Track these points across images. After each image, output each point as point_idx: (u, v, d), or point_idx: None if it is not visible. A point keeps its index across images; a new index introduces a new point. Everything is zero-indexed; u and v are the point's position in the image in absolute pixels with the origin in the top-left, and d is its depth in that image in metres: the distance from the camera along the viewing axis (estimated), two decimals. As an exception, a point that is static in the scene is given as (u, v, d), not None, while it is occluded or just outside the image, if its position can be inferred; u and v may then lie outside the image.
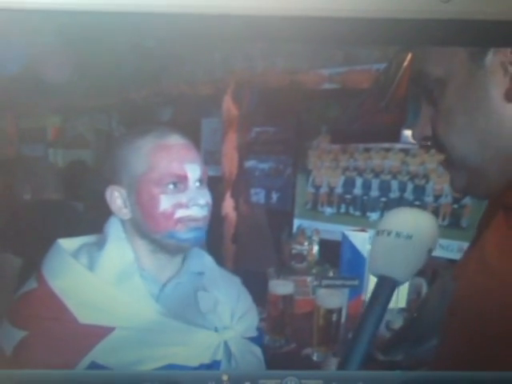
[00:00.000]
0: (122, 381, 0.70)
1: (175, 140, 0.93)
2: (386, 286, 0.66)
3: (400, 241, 0.66)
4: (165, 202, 0.90)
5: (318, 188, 1.81)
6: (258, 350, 1.01)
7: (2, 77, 0.98)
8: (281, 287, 1.39)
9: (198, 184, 0.93)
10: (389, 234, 0.67)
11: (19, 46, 0.75)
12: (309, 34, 0.63)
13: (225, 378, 0.67)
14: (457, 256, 1.39)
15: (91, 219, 1.10)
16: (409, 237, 0.66)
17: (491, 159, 0.69)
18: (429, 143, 0.77)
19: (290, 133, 1.79)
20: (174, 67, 1.53)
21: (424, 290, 1.38)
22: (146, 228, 0.92)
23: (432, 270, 1.35)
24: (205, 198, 0.93)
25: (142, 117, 1.60)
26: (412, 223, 0.69)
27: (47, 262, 0.93)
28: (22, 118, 1.62)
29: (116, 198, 0.93)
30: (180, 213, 0.91)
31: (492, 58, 0.67)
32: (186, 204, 0.91)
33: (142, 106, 1.60)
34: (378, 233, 0.69)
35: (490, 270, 0.70)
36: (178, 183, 0.91)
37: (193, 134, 0.98)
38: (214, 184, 0.99)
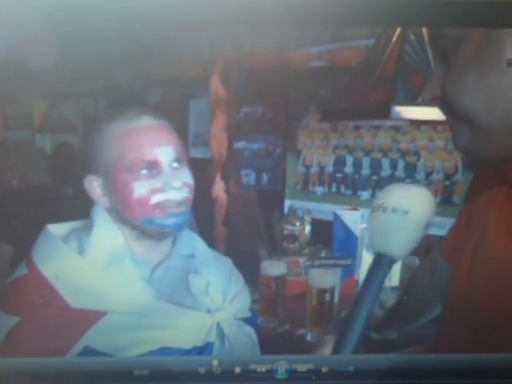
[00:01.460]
0: (113, 368, 0.69)
1: (146, 122, 0.90)
2: (384, 263, 0.65)
3: (396, 216, 0.65)
4: (139, 189, 0.87)
5: (308, 168, 1.79)
6: (251, 331, 1.00)
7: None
8: (273, 268, 1.38)
9: (175, 165, 0.90)
10: (384, 210, 0.66)
11: (4, 32, 0.74)
12: (301, 14, 0.62)
13: (215, 363, 0.66)
14: (450, 233, 1.39)
15: (80, 204, 1.09)
16: (405, 212, 0.65)
17: (498, 120, 0.68)
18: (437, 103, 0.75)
19: (278, 112, 1.77)
20: (160, 49, 1.51)
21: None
22: (125, 215, 0.90)
23: (425, 248, 1.34)
24: (181, 179, 0.90)
25: (129, 100, 1.59)
26: (408, 199, 0.67)
27: (37, 248, 0.92)
28: (7, 103, 1.60)
29: (95, 187, 0.91)
30: (156, 198, 0.88)
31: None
32: (162, 188, 0.88)
33: (129, 89, 1.59)
34: (373, 209, 0.67)
35: (500, 258, 0.70)
36: (150, 168, 0.88)
37: (181, 116, 0.96)
38: (203, 166, 0.97)
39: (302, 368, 0.63)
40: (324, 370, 0.62)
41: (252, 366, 0.64)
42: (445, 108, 0.73)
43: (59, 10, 0.63)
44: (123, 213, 0.90)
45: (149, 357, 0.80)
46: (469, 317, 0.73)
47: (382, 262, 0.65)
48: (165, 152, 0.89)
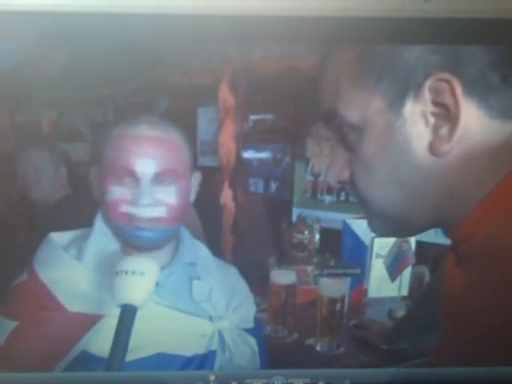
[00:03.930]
0: (107, 382, 0.69)
1: (142, 130, 0.90)
2: (129, 311, 0.82)
3: (136, 276, 0.84)
4: (112, 193, 0.91)
5: (317, 176, 1.78)
6: (252, 341, 1.00)
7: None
8: (282, 277, 1.38)
9: (157, 181, 0.91)
10: (126, 272, 0.84)
11: (14, 42, 0.75)
12: (307, 32, 0.63)
13: (212, 377, 0.66)
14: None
15: (85, 213, 1.09)
16: (142, 273, 0.84)
17: (416, 209, 0.68)
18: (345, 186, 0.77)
19: (287, 120, 1.76)
20: (168, 57, 1.51)
21: (426, 277, 1.37)
22: (107, 216, 0.94)
23: (434, 257, 1.33)
24: (157, 197, 0.91)
25: (137, 108, 1.59)
26: (142, 264, 0.86)
27: (38, 255, 0.95)
28: (17, 111, 1.61)
29: (93, 177, 0.98)
30: (125, 208, 0.91)
31: (411, 107, 0.64)
32: (131, 201, 0.90)
33: (137, 97, 1.59)
34: (117, 273, 0.85)
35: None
36: (127, 177, 0.90)
37: (189, 124, 0.96)
38: (211, 174, 0.97)
39: (298, 382, 0.62)
40: (320, 384, 0.61)
41: (249, 381, 0.63)
42: (356, 195, 0.74)
43: (68, 24, 0.63)
44: (105, 213, 0.94)
45: (145, 372, 0.80)
46: (454, 326, 0.73)
47: (127, 310, 0.83)
48: (144, 165, 0.89)
